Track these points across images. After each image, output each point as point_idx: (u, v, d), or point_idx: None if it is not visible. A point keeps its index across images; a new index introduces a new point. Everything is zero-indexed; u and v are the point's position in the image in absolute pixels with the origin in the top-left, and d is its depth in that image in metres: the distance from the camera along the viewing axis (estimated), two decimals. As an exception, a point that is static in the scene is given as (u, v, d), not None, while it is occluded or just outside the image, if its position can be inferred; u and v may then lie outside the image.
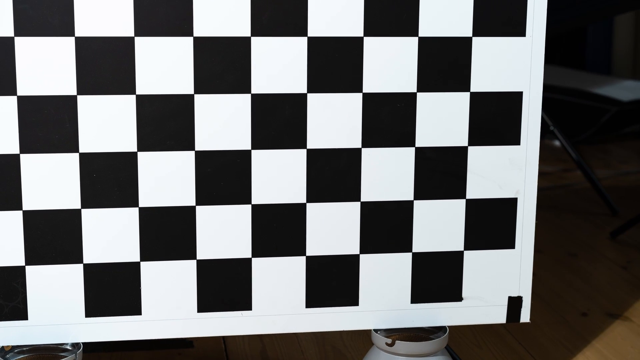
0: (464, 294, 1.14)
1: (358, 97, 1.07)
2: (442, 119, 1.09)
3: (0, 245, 1.04)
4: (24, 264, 1.05)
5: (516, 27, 1.08)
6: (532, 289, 1.59)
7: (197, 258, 1.08)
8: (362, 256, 1.11)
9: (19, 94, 1.01)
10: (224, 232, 1.07)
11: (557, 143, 2.76)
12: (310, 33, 1.04)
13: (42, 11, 1.00)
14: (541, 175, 2.53)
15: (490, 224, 1.12)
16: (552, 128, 2.17)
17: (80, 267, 1.06)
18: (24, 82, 1.00)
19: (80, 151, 1.03)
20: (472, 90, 1.09)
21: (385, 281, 1.12)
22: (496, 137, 1.10)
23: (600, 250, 1.88)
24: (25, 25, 0.99)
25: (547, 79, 3.03)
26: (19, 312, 1.06)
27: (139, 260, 1.07)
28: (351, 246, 1.10)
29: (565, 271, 1.74)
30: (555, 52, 3.62)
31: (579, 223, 2.08)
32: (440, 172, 1.10)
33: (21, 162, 1.02)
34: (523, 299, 1.15)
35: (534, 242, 1.14)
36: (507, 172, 1.11)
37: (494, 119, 1.10)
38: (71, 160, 1.03)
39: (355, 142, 1.08)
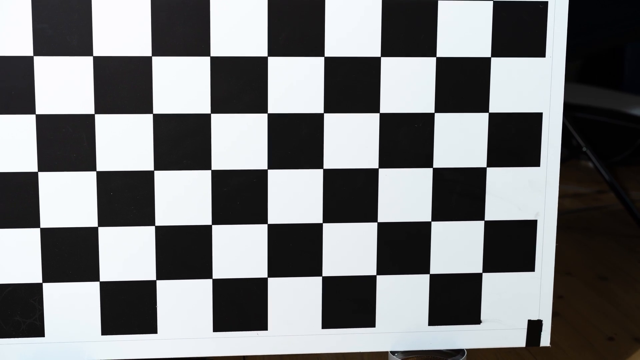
0: (482, 317, 1.12)
1: (375, 117, 1.06)
2: (461, 139, 1.08)
3: (18, 263, 1.04)
4: (41, 281, 1.05)
5: (536, 48, 1.07)
6: (559, 312, 1.57)
7: (213, 277, 1.08)
8: (379, 277, 1.10)
9: (37, 112, 1.02)
10: (240, 251, 1.07)
11: (591, 164, 2.73)
12: (327, 53, 1.04)
13: (61, 31, 1.01)
14: (575, 196, 2.51)
15: (509, 246, 1.11)
16: (585, 149, 2.14)
17: (96, 285, 1.06)
18: (43, 101, 1.02)
19: (97, 169, 1.04)
20: (491, 111, 1.08)
21: (402, 303, 1.11)
22: (515, 159, 1.09)
23: (632, 274, 1.85)
24: (44, 45, 1.01)
25: (584, 99, 3.00)
26: (35, 329, 1.06)
27: (155, 279, 1.07)
28: (368, 267, 1.10)
29: (594, 294, 1.71)
30: (594, 73, 3.59)
31: (612, 245, 2.05)
32: (459, 194, 1.09)
33: (39, 180, 1.03)
34: (543, 322, 1.13)
35: (554, 265, 1.12)
36: (527, 193, 1.10)
37: (513, 140, 1.09)
38: (88, 179, 1.04)
39: (372, 162, 1.07)
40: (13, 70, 1.01)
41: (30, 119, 1.02)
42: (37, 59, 1.01)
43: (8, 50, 1.00)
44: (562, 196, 2.47)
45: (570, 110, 2.97)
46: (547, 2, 1.06)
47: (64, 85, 1.02)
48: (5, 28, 1.00)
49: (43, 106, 1.02)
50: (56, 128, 1.02)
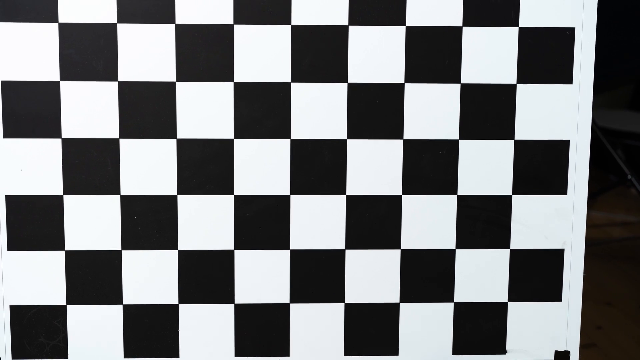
0: (508, 347, 1.10)
1: (399, 143, 1.06)
2: (486, 166, 1.07)
3: (43, 285, 1.06)
4: (65, 303, 1.06)
5: (563, 75, 1.05)
6: (596, 343, 1.54)
7: (235, 302, 1.08)
8: (402, 305, 1.09)
9: (63, 136, 1.03)
10: (262, 276, 1.07)
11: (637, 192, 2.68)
12: (351, 79, 1.04)
13: (87, 56, 1.02)
14: (621, 224, 2.46)
15: (535, 275, 1.09)
16: (629, 177, 2.11)
17: (119, 308, 1.07)
18: (68, 125, 1.03)
19: (121, 193, 1.05)
20: (516, 138, 1.06)
21: (426, 331, 1.10)
22: (542, 186, 1.08)
23: (676, 305, 1.81)
24: (70, 70, 1.02)
25: (634, 126, 2.95)
26: (59, 350, 1.07)
27: (177, 303, 1.07)
28: (391, 294, 1.09)
29: (634, 326, 1.67)
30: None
31: (657, 276, 2.01)
32: (484, 221, 1.08)
33: (64, 203, 1.04)
34: (571, 354, 1.11)
35: (582, 294, 1.10)
36: (554, 222, 1.08)
37: (540, 167, 1.07)
38: (113, 202, 1.05)
39: (395, 189, 1.07)
40: (40, 95, 1.02)
41: (56, 143, 1.03)
42: (63, 84, 1.02)
43: (35, 75, 1.02)
44: (608, 225, 2.43)
45: (619, 137, 2.93)
46: (574, 28, 1.05)
47: (89, 109, 1.03)
48: (33, 53, 1.01)
49: (69, 130, 1.03)
50: (81, 152, 1.04)
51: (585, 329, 1.60)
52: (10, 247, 1.05)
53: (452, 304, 1.09)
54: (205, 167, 1.05)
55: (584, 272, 1.10)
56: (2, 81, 1.02)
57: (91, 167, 1.04)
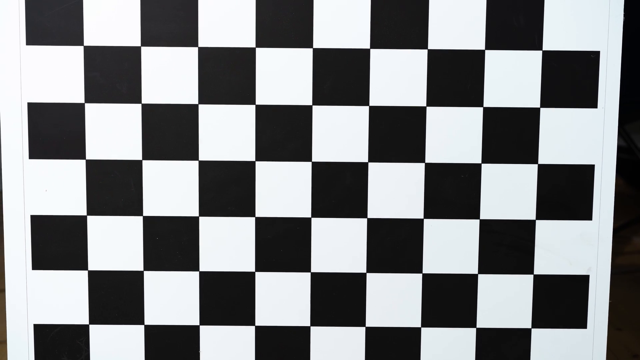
0: (531, 374, 1.09)
1: (420, 167, 1.05)
2: (509, 191, 1.06)
3: (66, 304, 1.07)
4: (88, 323, 1.07)
5: (587, 98, 1.04)
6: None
7: (256, 324, 1.08)
8: (423, 329, 1.08)
9: (87, 157, 1.05)
10: (282, 299, 1.07)
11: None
12: (372, 102, 1.04)
13: (112, 79, 1.04)
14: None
15: (560, 301, 1.08)
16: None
17: (141, 328, 1.08)
18: (93, 146, 1.04)
19: (144, 214, 1.06)
20: (540, 162, 1.05)
21: (447, 357, 1.09)
22: (566, 211, 1.06)
23: None
24: (95, 92, 1.04)
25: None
26: (81, 370, 1.08)
27: (198, 324, 1.08)
28: (412, 319, 1.08)
29: (672, 354, 1.64)
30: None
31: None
32: (507, 246, 1.07)
33: (88, 224, 1.06)
34: (596, 382, 1.09)
35: (607, 322, 1.08)
36: (578, 248, 1.07)
37: (564, 192, 1.06)
38: (135, 223, 1.06)
39: (417, 212, 1.06)
40: (65, 117, 1.04)
41: (81, 164, 1.05)
42: (88, 106, 1.04)
43: (61, 98, 1.04)
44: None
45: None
46: (598, 51, 1.03)
47: (113, 131, 1.04)
48: (59, 76, 1.03)
49: (93, 151, 1.04)
50: (105, 173, 1.05)
51: (621, 356, 1.57)
52: (35, 266, 1.06)
53: (474, 329, 1.08)
54: (227, 189, 1.06)
55: (611, 299, 1.08)
56: (28, 103, 1.04)
57: (114, 188, 1.05)
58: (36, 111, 1.04)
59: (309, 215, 1.06)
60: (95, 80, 1.04)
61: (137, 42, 1.03)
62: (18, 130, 1.04)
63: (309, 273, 1.07)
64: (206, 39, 1.03)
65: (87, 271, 1.06)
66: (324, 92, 1.04)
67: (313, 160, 1.05)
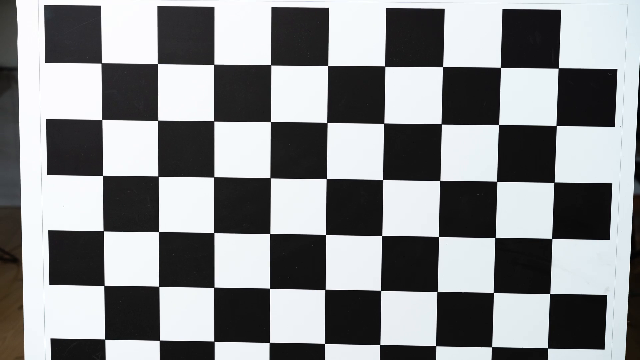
0: (548, 395, 1.08)
1: (435, 185, 1.05)
2: (525, 209, 1.05)
3: (83, 319, 1.08)
4: (104, 338, 1.08)
5: (604, 117, 1.03)
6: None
7: (270, 341, 1.08)
8: (438, 348, 1.07)
9: (104, 174, 1.06)
10: (297, 316, 1.07)
11: None
12: (387, 120, 1.04)
13: (129, 96, 1.05)
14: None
15: (577, 321, 1.06)
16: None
17: (156, 343, 1.08)
18: (110, 163, 1.05)
19: (160, 230, 1.06)
20: (556, 180, 1.05)
21: (463, 376, 1.08)
22: (583, 230, 1.05)
23: None
24: (112, 109, 1.05)
25: None
26: (97, 384, 1.09)
27: (213, 340, 1.08)
28: (427, 337, 1.07)
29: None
30: None
31: None
32: (523, 265, 1.06)
33: (105, 240, 1.07)
34: (614, 404, 1.08)
35: (625, 343, 1.07)
36: (596, 267, 1.06)
37: (581, 211, 1.05)
38: (151, 239, 1.07)
39: (432, 230, 1.06)
40: (83, 133, 1.05)
41: (98, 180, 1.06)
42: (105, 123, 1.05)
43: (79, 114, 1.05)
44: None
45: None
46: (616, 69, 1.03)
47: (130, 148, 1.05)
48: (77, 93, 1.04)
49: (110, 168, 1.05)
50: (122, 189, 1.06)
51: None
52: (53, 281, 1.07)
53: (490, 348, 1.07)
54: (242, 205, 1.06)
55: (628, 319, 1.07)
56: (47, 120, 1.05)
57: (131, 204, 1.06)
58: (55, 128, 1.05)
59: (324, 233, 1.06)
60: (112, 97, 1.05)
61: (154, 60, 1.04)
62: (37, 146, 1.05)
63: (324, 290, 1.07)
64: (222, 56, 1.04)
65: (103, 286, 1.07)
66: (339, 109, 1.04)
67: (328, 177, 1.05)
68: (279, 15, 1.03)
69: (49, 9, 1.04)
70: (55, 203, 1.06)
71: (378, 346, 1.08)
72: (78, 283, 1.07)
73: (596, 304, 1.06)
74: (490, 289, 1.06)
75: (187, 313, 1.08)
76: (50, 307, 1.08)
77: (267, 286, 1.07)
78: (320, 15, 1.03)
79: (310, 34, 1.03)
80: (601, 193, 1.05)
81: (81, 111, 1.05)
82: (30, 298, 1.08)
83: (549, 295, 1.06)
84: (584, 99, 1.03)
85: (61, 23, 1.04)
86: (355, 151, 1.05)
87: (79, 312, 1.08)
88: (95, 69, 1.04)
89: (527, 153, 1.04)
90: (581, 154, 1.04)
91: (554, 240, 1.05)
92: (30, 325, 1.08)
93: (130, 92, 1.05)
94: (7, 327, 1.74)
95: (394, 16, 1.03)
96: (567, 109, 1.04)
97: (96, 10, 1.04)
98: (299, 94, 1.04)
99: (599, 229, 1.05)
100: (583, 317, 1.06)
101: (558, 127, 1.04)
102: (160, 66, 1.04)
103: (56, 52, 1.04)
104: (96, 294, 1.07)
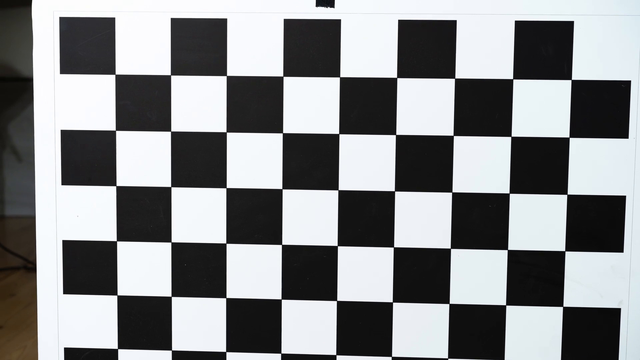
0: (561, 409, 1.07)
1: (447, 196, 1.05)
2: (538, 221, 1.05)
3: (96, 328, 1.08)
4: (117, 347, 1.09)
5: (618, 128, 1.03)
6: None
7: (282, 352, 1.08)
8: (450, 361, 1.07)
9: (118, 184, 1.06)
10: (309, 327, 1.07)
11: None
12: (399, 131, 1.04)
13: (142, 107, 1.05)
14: None
15: (590, 335, 1.06)
16: None
17: (169, 353, 1.08)
18: (123, 173, 1.06)
19: (172, 241, 1.07)
20: (569, 192, 1.04)
21: (475, 389, 1.07)
22: (597, 243, 1.04)
23: None
24: (126, 120, 1.06)
25: None
26: (110, 394, 1.10)
27: (225, 351, 1.08)
28: (439, 350, 1.07)
29: None
30: None
31: None
32: (535, 278, 1.05)
33: (117, 250, 1.07)
34: (628, 418, 1.07)
35: None
36: (609, 280, 1.05)
37: (594, 223, 1.04)
38: (164, 249, 1.07)
39: (444, 242, 1.05)
40: (97, 144, 1.06)
41: (111, 191, 1.07)
42: (119, 134, 1.06)
43: (93, 125, 1.06)
44: None
45: None
46: (629, 81, 1.02)
47: (143, 158, 1.06)
48: (91, 104, 1.05)
49: (123, 178, 1.06)
50: (135, 199, 1.06)
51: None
52: (66, 290, 1.08)
53: (502, 361, 1.07)
54: (254, 216, 1.06)
55: (643, 334, 1.06)
56: (61, 130, 1.06)
57: (144, 214, 1.07)
58: (69, 138, 1.06)
59: (336, 244, 1.06)
60: (126, 108, 1.05)
61: (167, 71, 1.05)
62: (51, 157, 1.06)
63: (335, 302, 1.07)
64: (234, 68, 1.04)
65: (116, 296, 1.08)
66: (350, 120, 1.04)
67: (340, 188, 1.05)
68: (291, 27, 1.04)
69: (64, 21, 1.05)
70: (69, 213, 1.07)
71: (390, 358, 1.07)
72: (91, 292, 1.08)
73: (610, 318, 1.05)
74: (503, 302, 1.06)
75: (199, 323, 1.08)
76: (63, 316, 1.09)
77: (279, 297, 1.07)
78: (332, 27, 1.04)
79: (322, 45, 1.04)
80: (615, 205, 1.04)
81: (95, 122, 1.06)
82: (44, 307, 1.09)
83: (562, 308, 1.06)
84: (598, 110, 1.03)
85: (76, 35, 1.05)
86: (367, 162, 1.05)
87: (93, 321, 1.09)
88: (109, 80, 1.05)
89: (540, 165, 1.04)
90: (594, 166, 1.04)
91: (567, 252, 1.05)
92: (44, 334, 1.09)
93: (143, 103, 1.05)
94: (28, 335, 1.76)
95: (406, 27, 1.03)
96: (580, 121, 1.03)
97: (110, 22, 1.05)
98: (311, 105, 1.04)
99: (613, 242, 1.04)
100: (597, 330, 1.05)
101: (571, 139, 1.03)
102: (173, 77, 1.05)
103: (71, 63, 1.05)
104: (109, 303, 1.08)
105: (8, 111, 3.20)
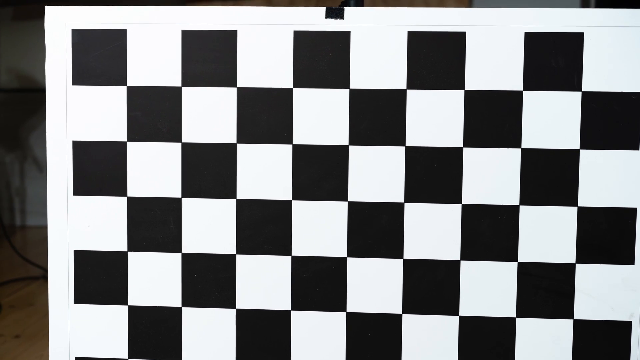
0: (572, 422, 1.06)
1: (457, 208, 1.05)
2: (548, 233, 1.04)
3: (107, 337, 1.09)
4: (127, 357, 1.09)
5: (628, 140, 1.02)
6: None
7: (291, 363, 1.08)
8: (460, 373, 1.07)
9: (129, 195, 1.07)
10: (318, 338, 1.07)
11: None
12: (409, 143, 1.04)
13: (153, 118, 1.06)
14: None
15: (600, 348, 1.05)
16: None
17: (179, 364, 1.09)
18: (134, 184, 1.07)
19: (182, 251, 1.07)
20: (580, 204, 1.04)
21: (485, 401, 1.07)
22: (607, 255, 1.04)
23: None
24: (137, 131, 1.06)
25: None
26: (120, 403, 1.10)
27: (234, 361, 1.09)
28: (448, 361, 1.07)
29: None
30: None
31: None
32: (545, 290, 1.05)
33: (128, 260, 1.08)
34: None
35: (651, 371, 1.05)
36: (620, 293, 1.04)
37: (605, 235, 1.04)
38: (174, 260, 1.08)
39: (454, 254, 1.05)
40: (108, 155, 1.07)
41: (122, 201, 1.07)
42: (130, 145, 1.07)
43: (104, 136, 1.07)
44: None
45: None
46: (639, 92, 1.02)
47: (153, 169, 1.07)
48: (103, 115, 1.06)
49: (134, 189, 1.07)
50: (145, 210, 1.07)
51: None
52: (77, 300, 1.09)
53: (512, 374, 1.06)
54: (264, 227, 1.07)
55: (655, 347, 1.05)
56: (73, 141, 1.07)
57: (154, 225, 1.07)
58: (81, 149, 1.07)
59: (345, 255, 1.06)
60: (137, 119, 1.06)
61: (177, 83, 1.06)
62: (63, 167, 1.07)
63: (345, 313, 1.07)
64: (245, 79, 1.05)
65: (127, 306, 1.08)
66: (360, 132, 1.05)
67: (349, 200, 1.06)
68: (301, 38, 1.04)
69: (76, 33, 1.06)
70: (81, 223, 1.08)
71: (399, 370, 1.07)
72: (102, 302, 1.09)
73: (621, 330, 1.05)
74: (513, 314, 1.05)
75: (208, 334, 1.08)
76: (75, 326, 1.09)
77: (288, 308, 1.07)
78: (342, 39, 1.04)
79: (331, 57, 1.04)
80: (625, 217, 1.03)
81: (107, 133, 1.07)
82: (56, 316, 1.09)
83: (572, 320, 1.05)
84: (608, 122, 1.02)
85: (88, 46, 1.06)
86: (377, 174, 1.05)
87: (103, 330, 1.09)
88: (120, 92, 1.06)
89: (550, 176, 1.04)
90: (605, 178, 1.03)
91: (577, 264, 1.04)
92: (55, 343, 1.10)
93: (154, 114, 1.06)
94: (45, 345, 1.77)
95: (415, 39, 1.03)
96: (590, 132, 1.03)
97: (122, 34, 1.05)
98: (321, 116, 1.05)
99: (624, 254, 1.04)
100: (607, 343, 1.05)
101: (581, 151, 1.03)
102: (184, 89, 1.06)
103: (83, 74, 1.06)
104: (120, 313, 1.09)
105: (29, 122, 3.23)
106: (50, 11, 1.06)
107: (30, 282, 2.41)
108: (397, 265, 1.06)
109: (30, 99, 3.19)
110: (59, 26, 1.06)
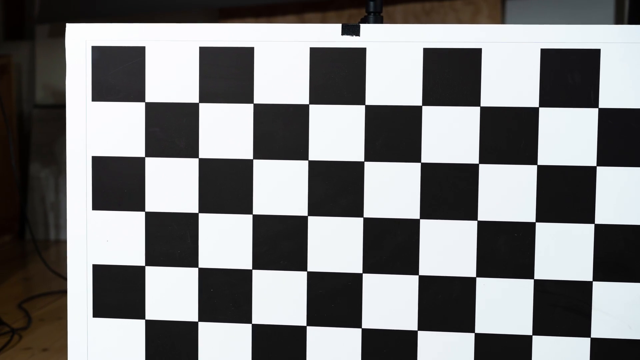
0: None
1: (473, 224, 1.04)
2: (564, 251, 1.03)
3: (124, 351, 1.10)
4: (144, 371, 1.10)
5: (646, 157, 1.01)
6: None
7: (307, 379, 1.08)
8: (476, 390, 1.06)
9: (146, 210, 1.08)
10: (333, 354, 1.07)
11: None
12: (424, 159, 1.04)
13: (171, 134, 1.07)
14: None
15: (619, 366, 1.04)
16: None
17: (195, 378, 1.10)
18: (152, 199, 1.08)
19: (199, 266, 1.08)
20: (597, 222, 1.03)
21: (501, 419, 1.06)
22: (625, 273, 1.03)
23: None
24: (155, 147, 1.07)
25: None
26: (137, 417, 1.11)
27: (250, 376, 1.09)
28: (464, 379, 1.06)
29: None
30: None
31: None
32: (562, 308, 1.04)
33: (146, 274, 1.09)
34: None
35: (670, 391, 1.04)
36: (638, 311, 1.03)
37: (622, 253, 1.03)
38: (191, 275, 1.08)
39: (469, 270, 1.05)
40: (126, 170, 1.08)
41: (140, 216, 1.08)
42: (148, 160, 1.08)
43: (123, 151, 1.08)
44: None
45: None
46: (657, 109, 1.01)
47: (171, 184, 1.08)
48: (121, 131, 1.08)
49: (152, 204, 1.08)
50: (163, 225, 1.08)
51: None
52: (96, 314, 1.10)
53: (529, 392, 1.05)
54: (280, 243, 1.07)
55: (674, 366, 1.04)
56: (92, 156, 1.08)
57: (172, 240, 1.08)
58: (100, 164, 1.08)
59: (361, 271, 1.06)
60: (155, 135, 1.07)
61: (195, 99, 1.07)
62: (83, 182, 1.08)
63: (360, 329, 1.07)
64: (261, 95, 1.06)
65: (144, 320, 1.09)
66: (376, 148, 1.05)
67: (365, 216, 1.06)
68: (317, 55, 1.05)
69: (96, 50, 1.07)
70: (100, 237, 1.09)
71: (414, 387, 1.07)
72: (120, 316, 1.10)
73: (639, 350, 1.03)
74: (529, 331, 1.05)
75: (224, 348, 1.09)
76: (93, 339, 1.10)
77: (304, 323, 1.08)
78: (358, 55, 1.04)
79: (347, 73, 1.05)
80: (643, 235, 1.02)
81: (125, 148, 1.08)
82: (75, 330, 1.10)
83: (589, 339, 1.04)
84: (624, 138, 1.02)
85: (107, 63, 1.07)
86: (392, 190, 1.05)
87: (121, 344, 1.10)
88: (139, 108, 1.07)
89: (567, 193, 1.03)
90: (622, 195, 1.02)
91: (594, 282, 1.03)
92: (74, 356, 1.11)
93: (172, 130, 1.07)
94: (62, 357, 1.79)
95: (431, 55, 1.03)
96: (607, 149, 1.02)
97: (141, 51, 1.07)
98: (337, 132, 1.05)
99: (642, 272, 1.03)
100: (625, 362, 1.04)
101: (598, 168, 1.02)
102: (201, 105, 1.07)
103: (102, 91, 1.08)
104: (137, 327, 1.10)
105: (64, 137, 3.27)
106: (71, 29, 1.08)
107: (61, 296, 2.44)
108: (412, 281, 1.06)
109: (65, 115, 3.23)
110: (79, 43, 1.08)
